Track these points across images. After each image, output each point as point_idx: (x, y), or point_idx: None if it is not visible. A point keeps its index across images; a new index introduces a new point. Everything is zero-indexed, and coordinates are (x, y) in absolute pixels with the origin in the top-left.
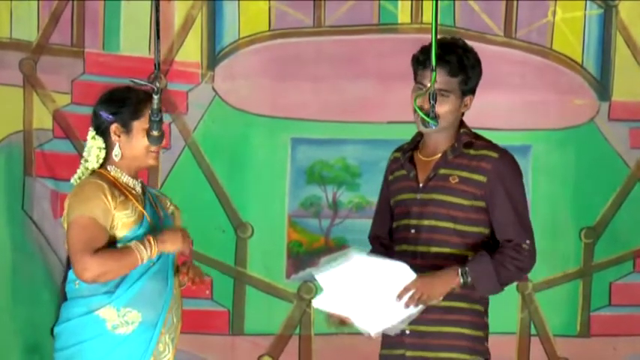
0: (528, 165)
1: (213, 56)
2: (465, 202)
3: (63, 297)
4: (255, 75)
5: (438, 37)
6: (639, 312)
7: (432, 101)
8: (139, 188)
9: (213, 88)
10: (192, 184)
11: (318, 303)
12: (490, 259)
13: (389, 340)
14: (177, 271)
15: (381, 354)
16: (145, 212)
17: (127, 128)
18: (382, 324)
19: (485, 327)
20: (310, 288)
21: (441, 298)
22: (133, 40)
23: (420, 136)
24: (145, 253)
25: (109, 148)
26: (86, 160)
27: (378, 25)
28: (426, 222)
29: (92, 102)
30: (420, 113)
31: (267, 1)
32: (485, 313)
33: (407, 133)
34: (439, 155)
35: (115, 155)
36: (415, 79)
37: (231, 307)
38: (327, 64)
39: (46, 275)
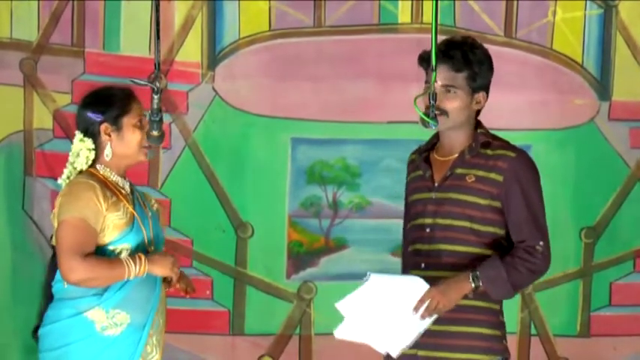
0: None
1: (214, 56)
2: (482, 202)
3: (48, 297)
4: (255, 75)
5: (448, 37)
6: (639, 312)
7: (431, 101)
8: (127, 187)
9: (214, 88)
10: (193, 184)
11: (339, 333)
12: (501, 262)
13: None
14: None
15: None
16: (135, 213)
17: (117, 126)
18: (402, 342)
19: (502, 325)
20: (310, 288)
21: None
22: (134, 40)
23: (436, 137)
24: (134, 270)
25: (98, 148)
26: (73, 163)
27: (378, 25)
28: (441, 221)
29: (89, 97)
30: (420, 113)
31: (268, 1)
32: (501, 311)
33: (407, 133)
34: (456, 155)
35: (107, 155)
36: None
37: (232, 307)
38: (328, 64)
39: None
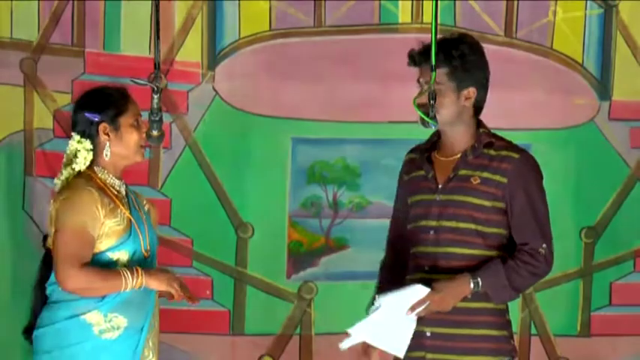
0: None
1: (214, 56)
2: (486, 203)
3: (41, 298)
4: (255, 75)
5: (439, 36)
6: (639, 312)
7: (431, 100)
8: (123, 190)
9: (214, 88)
10: (193, 184)
11: (345, 345)
12: (502, 266)
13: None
14: None
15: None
16: (132, 218)
17: (114, 125)
18: (405, 340)
19: (508, 325)
20: (311, 288)
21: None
22: (134, 40)
23: (436, 136)
24: (130, 282)
25: (96, 149)
26: (70, 164)
27: (378, 25)
28: (446, 223)
29: (84, 99)
30: (420, 113)
31: (268, 1)
32: (507, 310)
33: (407, 133)
34: (458, 155)
35: (106, 155)
36: None
37: (232, 307)
38: (328, 64)
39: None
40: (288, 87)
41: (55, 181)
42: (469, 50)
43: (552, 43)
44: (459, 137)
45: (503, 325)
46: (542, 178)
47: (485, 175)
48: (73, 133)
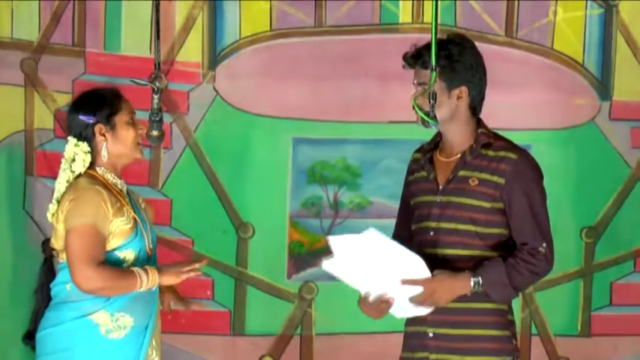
0: None
1: (214, 56)
2: (485, 204)
3: (44, 302)
4: (256, 75)
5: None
6: None
7: (431, 101)
8: (125, 189)
9: (214, 88)
10: (194, 184)
11: (327, 265)
12: (503, 265)
13: (410, 343)
14: None
15: (402, 357)
16: (137, 217)
17: (110, 125)
18: (374, 289)
19: (511, 324)
20: (311, 288)
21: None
22: (134, 40)
23: (439, 136)
24: (146, 282)
25: (94, 151)
26: (69, 168)
27: (379, 24)
28: (445, 225)
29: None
30: (420, 113)
31: (268, 1)
32: (510, 310)
33: (408, 133)
34: (458, 156)
35: (104, 156)
36: None
37: (232, 307)
38: (328, 64)
39: None
40: (288, 87)
41: (56, 185)
42: (457, 50)
43: (553, 43)
44: (458, 137)
45: (506, 325)
46: (541, 178)
47: (484, 176)
48: (69, 137)
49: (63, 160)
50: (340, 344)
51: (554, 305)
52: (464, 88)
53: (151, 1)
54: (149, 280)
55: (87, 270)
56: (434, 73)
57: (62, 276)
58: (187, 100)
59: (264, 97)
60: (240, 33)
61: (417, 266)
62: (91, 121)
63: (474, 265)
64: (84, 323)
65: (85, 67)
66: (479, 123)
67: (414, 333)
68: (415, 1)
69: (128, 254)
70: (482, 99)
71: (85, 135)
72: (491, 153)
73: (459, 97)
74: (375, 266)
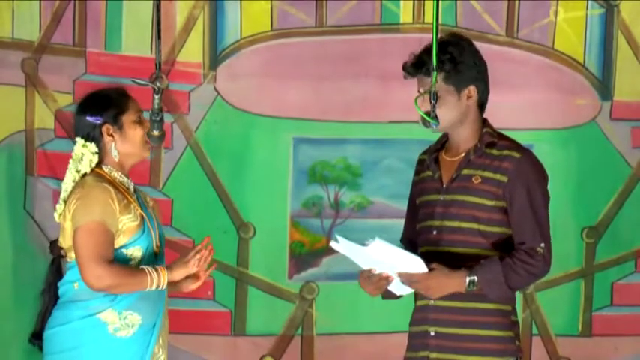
0: None
1: (215, 56)
2: (488, 203)
3: (51, 302)
4: (256, 75)
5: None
6: None
7: (432, 101)
8: (132, 187)
9: (215, 88)
10: (194, 185)
11: (334, 244)
12: (500, 264)
13: (414, 343)
14: None
15: (406, 357)
16: (144, 215)
17: (118, 125)
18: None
19: (514, 325)
20: (312, 288)
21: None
22: (135, 40)
23: (445, 136)
24: (156, 281)
25: (102, 151)
26: (76, 168)
27: (379, 24)
28: (448, 223)
29: (85, 103)
30: (421, 112)
31: (269, 1)
32: (514, 311)
33: (409, 133)
34: (462, 155)
35: (115, 156)
36: None
37: (233, 307)
38: (329, 64)
39: None
40: (289, 87)
41: (63, 185)
42: (458, 51)
43: (553, 43)
44: (465, 137)
45: (509, 325)
46: (544, 178)
47: (487, 174)
48: (77, 138)
49: (70, 161)
50: (341, 344)
51: (555, 305)
52: (472, 87)
53: (151, 1)
54: (160, 279)
55: (97, 268)
56: (435, 73)
57: (70, 275)
58: (188, 100)
59: (264, 97)
60: (240, 33)
61: (415, 264)
62: (99, 122)
63: (471, 264)
64: (92, 322)
65: (85, 67)
66: (484, 123)
67: (416, 332)
68: (416, 1)
69: (135, 252)
70: (489, 93)
71: (92, 136)
72: (495, 152)
73: (468, 97)
74: (377, 263)
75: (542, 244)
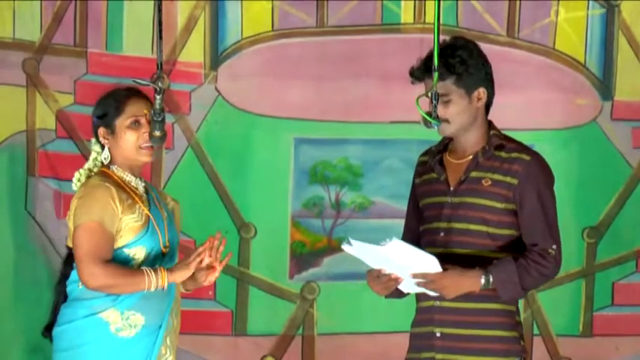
0: None
1: (216, 56)
2: (498, 205)
3: (61, 296)
4: (257, 75)
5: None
6: None
7: (434, 101)
8: (141, 188)
9: (216, 89)
10: (195, 185)
11: (346, 247)
12: (514, 264)
13: (417, 344)
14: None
15: (408, 358)
16: (150, 215)
17: (111, 129)
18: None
19: (518, 326)
20: (313, 288)
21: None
22: (136, 40)
23: (447, 138)
24: (154, 282)
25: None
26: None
27: (380, 25)
28: (457, 225)
29: (95, 102)
30: (422, 113)
31: (270, 1)
32: (518, 311)
33: (409, 133)
34: (470, 158)
35: (105, 158)
36: None
37: (234, 307)
38: (330, 64)
39: (49, 275)
40: (290, 87)
41: (73, 186)
42: (467, 53)
43: (554, 43)
44: (472, 140)
45: (513, 326)
46: (552, 180)
47: (497, 177)
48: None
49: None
50: (342, 344)
51: (556, 305)
52: (482, 89)
53: (152, 2)
54: (158, 280)
55: (92, 267)
56: (436, 74)
57: (75, 274)
58: (189, 100)
59: (265, 98)
60: (241, 33)
61: (430, 264)
62: (96, 124)
63: (490, 261)
64: (94, 321)
65: (86, 68)
66: (489, 125)
67: (420, 334)
68: (417, 1)
69: (138, 252)
70: (494, 94)
71: (96, 136)
72: (503, 154)
73: (478, 99)
74: (390, 263)
75: (554, 246)
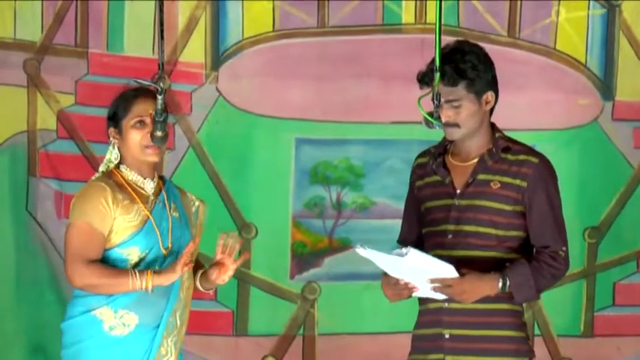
0: None
1: (217, 57)
2: (507, 208)
3: None
4: (258, 75)
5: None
6: None
7: (435, 101)
8: (149, 187)
9: (217, 89)
10: (196, 185)
11: (360, 251)
12: (529, 267)
13: (422, 345)
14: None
15: (412, 359)
16: (150, 215)
17: (119, 129)
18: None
19: (525, 326)
20: (314, 288)
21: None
22: (137, 41)
23: (448, 140)
24: (138, 283)
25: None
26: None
27: (381, 25)
28: (465, 227)
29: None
30: (424, 113)
31: (271, 2)
32: (523, 312)
33: (410, 134)
34: (476, 160)
35: (115, 158)
36: None
37: (235, 307)
38: (331, 65)
39: (50, 275)
40: (291, 87)
41: None
42: (476, 58)
43: (555, 43)
44: (477, 142)
45: (521, 326)
46: (557, 181)
47: (506, 179)
48: None
49: None
50: (343, 344)
51: (557, 305)
52: (490, 93)
53: (153, 2)
54: (142, 281)
55: (77, 266)
56: (437, 74)
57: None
58: (190, 100)
59: (266, 98)
60: (242, 33)
61: (447, 271)
62: (107, 124)
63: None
64: (89, 318)
65: (87, 68)
66: (493, 127)
67: (427, 335)
68: (418, 2)
69: (131, 252)
70: (498, 97)
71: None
72: (510, 157)
73: (487, 103)
74: (408, 271)
75: (564, 248)
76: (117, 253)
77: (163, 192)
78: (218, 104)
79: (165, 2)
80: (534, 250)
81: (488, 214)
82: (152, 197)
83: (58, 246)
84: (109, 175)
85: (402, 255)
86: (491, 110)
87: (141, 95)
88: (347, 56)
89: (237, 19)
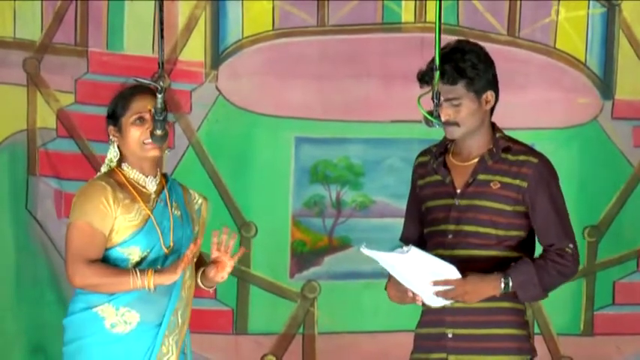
0: None
1: (217, 55)
2: (507, 208)
3: None
4: (258, 74)
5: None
6: None
7: (435, 100)
8: (151, 186)
9: (217, 88)
10: (196, 184)
11: (365, 250)
12: (532, 266)
13: (425, 345)
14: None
15: (414, 358)
16: (151, 214)
17: (118, 127)
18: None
19: (527, 324)
20: (314, 287)
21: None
22: (137, 40)
23: (449, 139)
24: (139, 282)
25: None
26: None
27: (381, 24)
28: (465, 227)
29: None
30: (423, 112)
31: (271, 1)
32: (525, 310)
33: (410, 133)
34: (476, 160)
35: (114, 156)
36: None
37: (235, 306)
38: (331, 64)
39: (50, 275)
40: (291, 86)
41: None
42: (476, 57)
43: (555, 42)
44: (478, 142)
45: (523, 324)
46: (558, 179)
47: (506, 180)
48: None
49: None
50: (342, 343)
51: (556, 304)
52: (490, 92)
53: (153, 1)
54: (144, 280)
55: (77, 266)
56: (437, 73)
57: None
58: (190, 99)
59: (266, 97)
60: (242, 32)
61: (449, 272)
62: (107, 123)
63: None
64: (90, 315)
65: (87, 67)
66: (493, 126)
67: (429, 334)
68: (418, 1)
69: (132, 251)
70: (498, 96)
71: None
72: (510, 157)
73: (487, 102)
74: (409, 271)
75: (571, 245)
76: (118, 252)
77: (165, 190)
78: (218, 103)
79: (165, 1)
80: (542, 249)
81: (488, 215)
82: (154, 196)
83: (58, 245)
84: (110, 174)
85: (403, 253)
86: (492, 110)
87: (139, 92)
88: (347, 55)
89: (237, 18)
